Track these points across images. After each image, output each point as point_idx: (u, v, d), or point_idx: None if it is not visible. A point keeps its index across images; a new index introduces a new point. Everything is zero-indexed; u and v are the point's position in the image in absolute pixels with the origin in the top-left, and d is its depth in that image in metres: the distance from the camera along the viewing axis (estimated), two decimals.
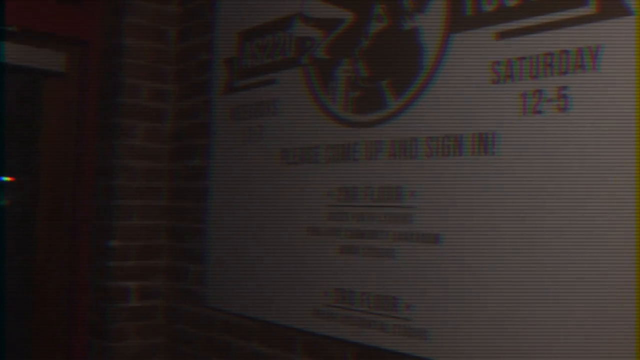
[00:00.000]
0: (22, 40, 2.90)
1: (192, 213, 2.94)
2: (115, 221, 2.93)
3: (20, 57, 2.92)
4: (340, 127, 2.24)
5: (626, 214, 1.50)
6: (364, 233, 2.11)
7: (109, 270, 2.92)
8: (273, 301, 2.44)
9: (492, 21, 1.81)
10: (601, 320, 1.53)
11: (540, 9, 1.70)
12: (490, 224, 1.76)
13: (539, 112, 1.68)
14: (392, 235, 2.02)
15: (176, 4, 3.17)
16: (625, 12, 1.54)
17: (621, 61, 1.54)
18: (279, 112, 2.50)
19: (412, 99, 2.01)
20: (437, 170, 1.92)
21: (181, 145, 3.06)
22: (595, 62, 1.58)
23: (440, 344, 1.85)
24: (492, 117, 1.79)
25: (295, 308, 2.33)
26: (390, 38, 2.10)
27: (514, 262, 1.70)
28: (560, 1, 1.65)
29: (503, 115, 1.76)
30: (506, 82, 1.76)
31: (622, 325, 1.49)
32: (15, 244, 3.00)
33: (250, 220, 2.58)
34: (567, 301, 1.59)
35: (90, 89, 3.09)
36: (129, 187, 2.98)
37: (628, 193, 1.50)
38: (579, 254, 1.58)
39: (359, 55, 2.20)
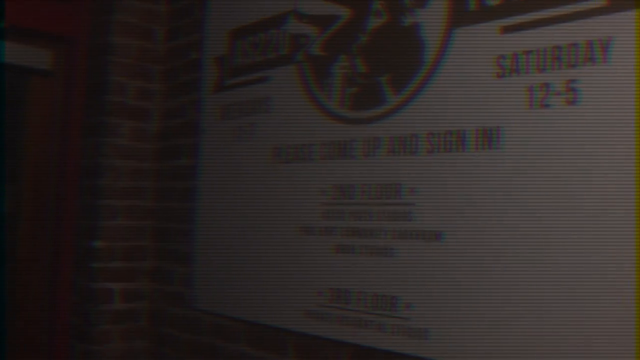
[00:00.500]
0: (7, 37, 2.84)
1: (179, 213, 2.88)
2: (100, 221, 2.87)
3: (5, 55, 2.85)
4: (336, 124, 2.20)
5: (631, 211, 1.48)
6: (361, 231, 2.06)
7: (93, 271, 2.85)
8: (264, 302, 2.38)
9: (496, 15, 1.79)
10: (601, 320, 1.51)
11: (547, 2, 1.67)
12: (493, 221, 1.73)
13: (547, 105, 1.65)
14: (391, 233, 1.97)
15: (164, 3, 3.14)
16: (636, 4, 1.52)
17: (633, 54, 1.52)
18: (272, 110, 2.46)
19: (412, 95, 1.98)
20: (438, 167, 1.88)
21: (168, 144, 3.01)
22: (606, 55, 1.56)
23: (442, 343, 1.81)
24: (496, 112, 1.76)
25: (287, 309, 2.27)
26: (389, 34, 2.07)
27: (517, 260, 1.67)
28: None
29: (508, 109, 1.73)
30: (512, 76, 1.73)
31: (622, 325, 1.47)
32: None
33: (241, 220, 2.52)
34: (568, 301, 1.57)
35: (76, 87, 3.05)
36: (114, 187, 2.92)
37: (631, 190, 1.49)
38: (583, 253, 1.55)
39: (357, 51, 2.17)
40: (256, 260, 2.44)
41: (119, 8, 2.98)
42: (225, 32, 2.74)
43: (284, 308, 2.29)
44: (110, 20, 2.96)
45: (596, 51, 1.58)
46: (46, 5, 2.96)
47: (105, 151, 2.90)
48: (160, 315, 2.92)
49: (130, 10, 3.01)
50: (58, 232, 2.99)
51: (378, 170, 2.04)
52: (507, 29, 1.76)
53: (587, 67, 1.59)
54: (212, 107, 2.75)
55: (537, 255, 1.63)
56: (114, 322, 2.87)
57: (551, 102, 1.65)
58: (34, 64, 2.97)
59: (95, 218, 2.87)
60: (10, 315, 2.88)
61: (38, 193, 3.00)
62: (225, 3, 2.77)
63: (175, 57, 3.05)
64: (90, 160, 2.95)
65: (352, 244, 2.08)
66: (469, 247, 1.77)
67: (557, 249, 1.59)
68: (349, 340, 2.05)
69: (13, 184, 2.99)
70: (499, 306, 1.69)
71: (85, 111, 3.03)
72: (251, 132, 2.54)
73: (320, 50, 2.30)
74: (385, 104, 2.05)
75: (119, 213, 2.92)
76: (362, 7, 2.17)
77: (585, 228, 1.55)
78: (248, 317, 2.45)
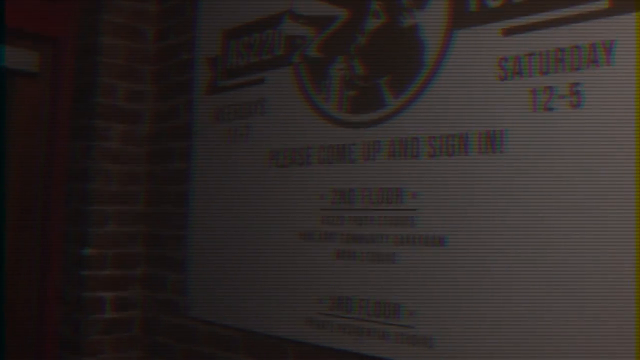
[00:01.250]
0: None
1: (172, 218, 2.83)
2: (90, 227, 2.81)
3: None
4: (334, 128, 2.16)
5: (632, 212, 1.48)
6: (362, 237, 2.02)
7: (83, 279, 2.79)
8: (262, 310, 2.34)
9: (497, 17, 1.77)
10: (601, 320, 1.50)
11: (549, 4, 1.66)
12: (498, 224, 1.71)
13: (550, 108, 1.64)
14: (393, 238, 1.94)
15: (155, 2, 3.10)
16: (637, 6, 1.51)
17: (634, 56, 1.50)
18: (268, 113, 2.41)
19: (413, 97, 1.94)
20: (440, 170, 1.85)
21: (160, 147, 2.95)
22: (609, 57, 1.55)
23: (447, 351, 1.78)
24: (499, 115, 1.74)
25: (287, 317, 2.23)
26: (388, 35, 2.04)
27: (523, 264, 1.65)
28: None
29: (511, 112, 1.71)
30: (514, 78, 1.71)
31: (622, 325, 1.46)
32: None
33: (237, 224, 2.48)
34: (569, 301, 1.56)
35: (64, 89, 3.00)
36: (104, 192, 2.87)
37: (632, 191, 1.48)
38: (584, 253, 1.55)
39: (355, 52, 2.13)
40: (253, 267, 2.39)
41: (107, 8, 2.94)
42: (218, 32, 2.70)
43: (283, 316, 2.25)
44: (99, 20, 2.91)
45: (599, 54, 1.57)
46: (32, 4, 2.91)
47: (95, 154, 2.85)
48: (154, 324, 2.87)
49: (119, 10, 2.97)
50: (46, 239, 2.94)
51: (378, 175, 2.01)
52: (508, 31, 1.74)
53: (591, 69, 1.58)
54: (205, 109, 2.71)
55: (545, 258, 1.61)
56: (106, 332, 2.82)
57: (555, 105, 1.63)
58: (19, 65, 2.91)
59: (84, 224, 2.82)
60: None
61: (24, 198, 2.94)
62: (217, 2, 2.74)
63: (166, 58, 3.01)
64: (78, 164, 2.90)
65: (353, 250, 2.05)
66: (473, 252, 1.75)
67: (558, 250, 1.59)
68: (351, 349, 2.02)
69: None
70: (505, 311, 1.67)
71: (73, 113, 2.98)
72: (246, 135, 2.49)
73: (317, 52, 2.26)
74: (385, 107, 2.02)
75: (109, 219, 2.87)
76: (359, 7, 2.13)
77: (586, 229, 1.55)
78: (246, 325, 2.40)
